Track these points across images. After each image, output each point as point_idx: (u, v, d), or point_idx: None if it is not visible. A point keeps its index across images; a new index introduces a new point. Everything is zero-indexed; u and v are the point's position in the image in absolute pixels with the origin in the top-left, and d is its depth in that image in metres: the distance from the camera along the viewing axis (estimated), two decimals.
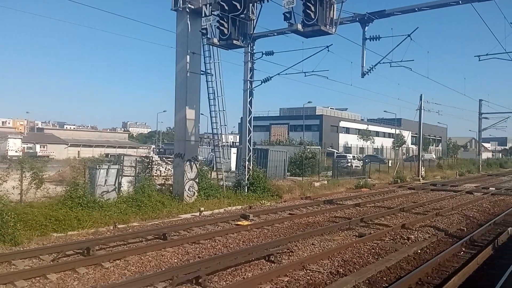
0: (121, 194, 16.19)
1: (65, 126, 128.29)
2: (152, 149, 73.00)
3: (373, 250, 10.81)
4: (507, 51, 18.03)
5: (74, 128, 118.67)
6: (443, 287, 7.80)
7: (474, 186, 30.18)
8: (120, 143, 76.29)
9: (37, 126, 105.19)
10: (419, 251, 11.00)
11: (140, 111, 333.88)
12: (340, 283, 7.96)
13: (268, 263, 9.38)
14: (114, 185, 15.75)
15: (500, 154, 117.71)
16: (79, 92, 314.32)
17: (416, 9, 18.15)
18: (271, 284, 7.96)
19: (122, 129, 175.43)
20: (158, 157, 29.53)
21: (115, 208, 14.42)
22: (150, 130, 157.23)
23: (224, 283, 8.00)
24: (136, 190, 16.47)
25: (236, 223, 14.21)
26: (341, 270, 8.99)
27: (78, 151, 63.90)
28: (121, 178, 17.10)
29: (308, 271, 8.85)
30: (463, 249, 11.26)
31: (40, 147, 64.25)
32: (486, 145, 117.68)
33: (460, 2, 16.88)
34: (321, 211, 17.30)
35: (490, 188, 28.52)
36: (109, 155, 36.41)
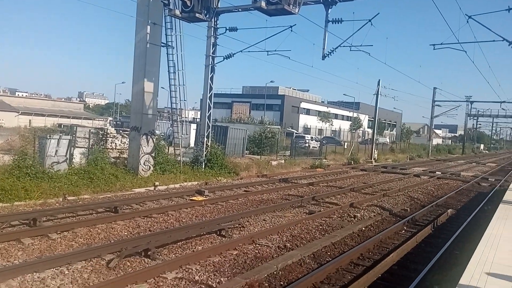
0: (73, 165, 15.77)
1: (16, 93, 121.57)
2: (109, 121, 70.92)
3: (320, 227, 11.26)
4: (460, 41, 18.83)
5: (26, 95, 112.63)
6: (382, 262, 8.31)
7: (422, 170, 31.73)
8: (74, 114, 73.32)
9: None
10: (363, 228, 11.58)
11: (98, 81, 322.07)
12: (286, 257, 8.29)
13: (219, 237, 9.58)
14: (65, 156, 15.30)
15: (450, 140, 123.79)
16: (33, 57, 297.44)
17: None
18: (220, 257, 8.15)
19: (78, 99, 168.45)
20: (115, 129, 28.81)
21: (65, 180, 14.04)
22: (107, 101, 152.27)
23: (173, 255, 8.12)
24: (88, 162, 16.08)
25: (191, 198, 14.27)
26: (289, 244, 9.33)
27: (30, 120, 60.93)
28: (74, 149, 16.64)
29: (257, 245, 9.13)
30: (405, 228, 11.95)
31: None
32: (437, 131, 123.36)
33: None
34: (275, 189, 17.68)
35: (437, 172, 30.12)
36: (62, 126, 35.08)
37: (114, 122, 67.83)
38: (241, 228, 10.53)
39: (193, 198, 14.36)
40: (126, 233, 9.58)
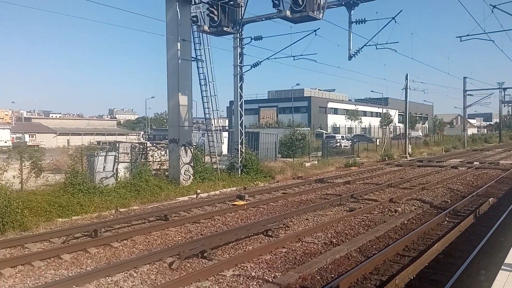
0: (119, 179, 16.68)
1: (50, 115, 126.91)
2: (141, 135, 73.08)
3: (363, 223, 11.57)
4: (486, 31, 18.72)
5: (60, 116, 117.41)
6: (427, 251, 8.57)
7: (459, 161, 31.23)
8: (109, 131, 76.05)
9: (23, 116, 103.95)
10: (406, 222, 11.79)
11: (126, 97, 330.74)
12: (334, 252, 8.69)
13: (267, 238, 10.07)
14: (112, 171, 16.24)
15: (486, 129, 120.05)
16: (63, 80, 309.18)
17: None
18: (271, 255, 8.64)
19: (109, 116, 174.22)
20: (150, 143, 29.86)
21: (114, 193, 14.94)
22: (137, 116, 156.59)
23: (227, 255, 8.67)
24: (133, 176, 16.97)
25: (233, 203, 14.85)
26: (334, 240, 9.72)
27: (68, 140, 63.69)
28: (118, 164, 17.57)
29: (303, 242, 9.56)
30: (447, 219, 12.08)
31: (29, 137, 63.88)
32: (471, 121, 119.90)
33: None
34: (312, 189, 18.04)
35: (475, 163, 29.59)
36: (101, 143, 36.54)
37: (147, 136, 69.73)
38: (286, 228, 10.99)
39: (235, 202, 14.93)
40: (180, 238, 10.22)
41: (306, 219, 12.05)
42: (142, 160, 19.79)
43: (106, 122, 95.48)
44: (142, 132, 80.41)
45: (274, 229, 10.57)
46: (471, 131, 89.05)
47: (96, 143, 41.66)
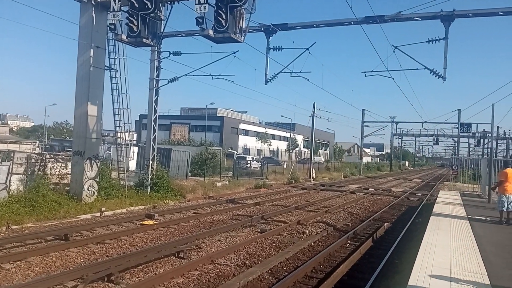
0: (11, 193, 15.02)
1: None
2: (37, 144, 66.85)
3: (274, 244, 11.83)
4: (388, 69, 20.80)
5: None
6: (333, 274, 9.02)
7: (357, 187, 33.71)
8: None
9: None
10: (312, 243, 12.33)
11: (21, 102, 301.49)
12: (247, 274, 8.72)
13: (178, 259, 9.77)
14: (5, 183, 14.60)
15: (378, 159, 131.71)
16: None
17: (315, 25, 20.08)
18: (183, 278, 8.38)
19: (0, 121, 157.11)
20: (48, 154, 27.45)
21: (6, 208, 13.40)
22: (33, 124, 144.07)
23: (136, 279, 8.21)
24: (29, 189, 15.41)
25: (141, 222, 14.21)
26: (247, 262, 9.77)
27: None
28: (11, 176, 15.84)
29: (216, 264, 9.46)
30: (349, 241, 12.90)
31: None
32: (366, 150, 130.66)
33: (352, 23, 19.07)
34: (224, 210, 18.03)
35: (370, 189, 32.18)
36: None
37: (43, 146, 64.15)
38: (198, 249, 10.78)
39: (144, 222, 14.31)
40: (82, 260, 9.45)
41: (219, 240, 11.96)
42: (40, 172, 18.10)
43: None
44: (38, 142, 73.68)
45: (186, 250, 10.30)
46: (366, 159, 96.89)
47: None
